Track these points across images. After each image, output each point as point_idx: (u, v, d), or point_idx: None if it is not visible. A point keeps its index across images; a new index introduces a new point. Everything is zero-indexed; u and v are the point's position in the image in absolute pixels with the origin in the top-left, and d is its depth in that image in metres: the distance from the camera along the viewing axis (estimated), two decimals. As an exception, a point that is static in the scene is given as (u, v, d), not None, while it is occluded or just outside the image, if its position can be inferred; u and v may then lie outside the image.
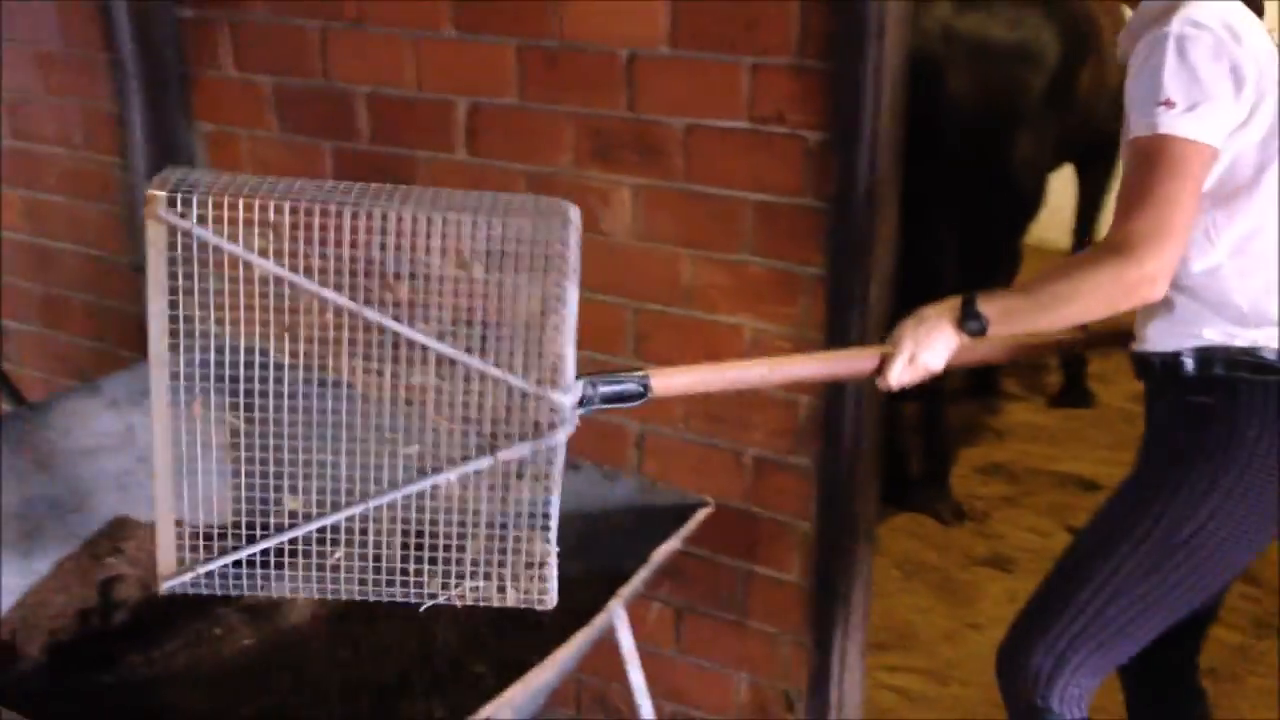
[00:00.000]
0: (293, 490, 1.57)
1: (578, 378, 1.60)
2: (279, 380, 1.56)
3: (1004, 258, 3.79)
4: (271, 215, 1.48)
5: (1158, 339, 1.74)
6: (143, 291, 1.54)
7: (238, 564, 1.56)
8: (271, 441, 1.57)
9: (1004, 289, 1.72)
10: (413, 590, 1.59)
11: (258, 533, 1.56)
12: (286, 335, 1.55)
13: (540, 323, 1.55)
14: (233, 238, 1.48)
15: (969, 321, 1.69)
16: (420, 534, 1.60)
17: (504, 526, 1.60)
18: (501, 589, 1.60)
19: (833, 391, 2.13)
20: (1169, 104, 1.58)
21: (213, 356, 1.54)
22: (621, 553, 1.90)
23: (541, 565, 1.58)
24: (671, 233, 2.20)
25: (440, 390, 1.58)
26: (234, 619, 2.05)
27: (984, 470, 3.87)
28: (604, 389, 1.64)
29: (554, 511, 1.57)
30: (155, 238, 1.47)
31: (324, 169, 2.52)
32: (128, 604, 2.05)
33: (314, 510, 1.57)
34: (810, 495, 2.21)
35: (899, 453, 3.59)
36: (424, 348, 1.55)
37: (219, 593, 1.56)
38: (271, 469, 1.57)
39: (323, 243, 1.50)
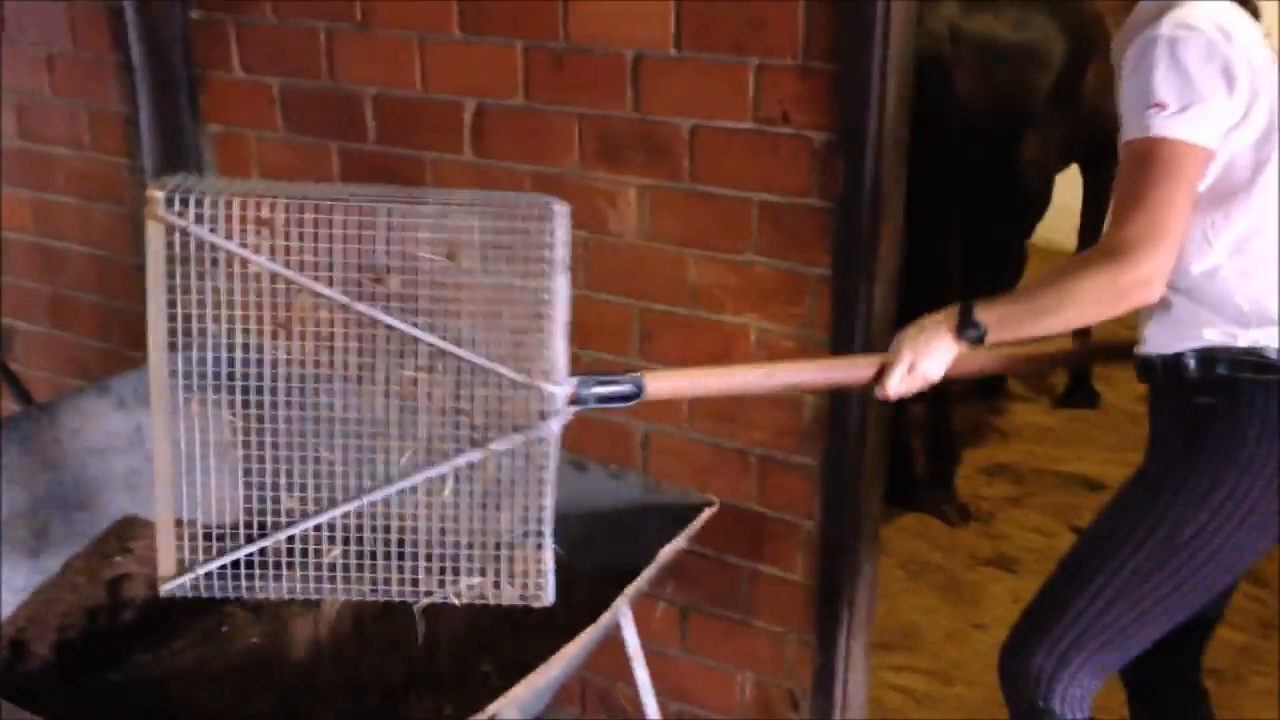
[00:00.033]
0: (289, 488, 1.59)
1: (577, 379, 1.62)
2: (275, 378, 1.58)
3: (1010, 258, 3.80)
4: (265, 213, 1.51)
5: (1159, 341, 1.74)
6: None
7: (236, 565, 1.56)
8: (268, 440, 1.59)
9: (1001, 296, 1.72)
10: (409, 588, 1.59)
11: (255, 532, 1.57)
12: (282, 331, 1.58)
13: (530, 315, 1.57)
14: (229, 235, 1.51)
15: (967, 329, 1.69)
16: (415, 530, 1.61)
17: (499, 521, 1.61)
18: (497, 586, 1.61)
19: (838, 391, 2.13)
20: (1161, 106, 1.58)
21: (210, 355, 1.56)
22: (627, 552, 1.90)
23: (537, 561, 1.59)
24: (677, 233, 2.20)
25: (432, 383, 1.60)
26: (241, 617, 2.06)
27: (989, 471, 3.87)
28: (598, 389, 1.65)
29: (549, 506, 1.58)
30: (154, 237, 1.50)
31: (331, 170, 2.53)
32: (136, 602, 2.06)
33: (310, 508, 1.58)
34: (815, 495, 2.22)
35: (904, 453, 3.59)
36: (415, 340, 1.57)
37: (218, 595, 1.57)
38: (269, 467, 1.58)
39: (315, 239, 1.53)
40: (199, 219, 1.50)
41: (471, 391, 1.58)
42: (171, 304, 1.51)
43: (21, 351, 3.17)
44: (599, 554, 1.99)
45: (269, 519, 1.59)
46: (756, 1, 2.01)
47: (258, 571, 1.56)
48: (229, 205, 1.50)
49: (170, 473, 1.56)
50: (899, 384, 1.73)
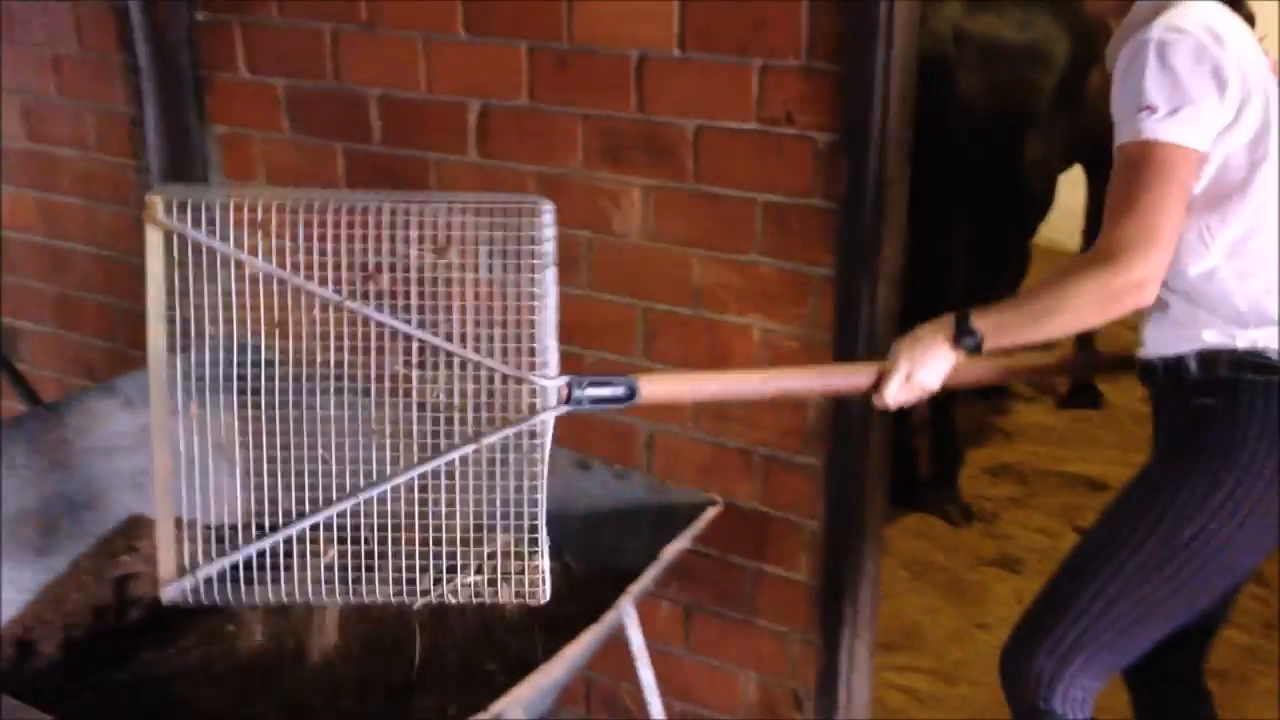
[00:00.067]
0: (286, 489, 1.60)
1: (570, 378, 1.63)
2: (271, 378, 1.60)
3: (1013, 258, 3.80)
4: (260, 214, 1.55)
5: (1160, 343, 1.74)
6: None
7: (235, 569, 1.57)
8: (265, 441, 1.60)
9: (996, 304, 1.72)
10: (405, 588, 1.60)
11: (253, 534, 1.58)
12: (277, 331, 1.61)
13: (520, 310, 1.59)
14: (225, 238, 1.54)
15: (964, 338, 1.70)
16: (410, 529, 1.61)
17: (492, 517, 1.62)
18: (493, 584, 1.61)
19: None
20: (1151, 109, 1.59)
21: (208, 357, 1.58)
22: (631, 551, 1.91)
23: (532, 559, 1.59)
24: (681, 233, 2.21)
25: (426, 380, 1.62)
26: (247, 616, 2.06)
27: (993, 471, 3.87)
28: (591, 390, 1.67)
29: (541, 501, 1.58)
30: (153, 241, 1.54)
31: (336, 170, 2.53)
32: (142, 601, 2.06)
33: (307, 508, 1.59)
34: (819, 495, 2.22)
35: (908, 453, 3.59)
36: (406, 337, 1.60)
37: (219, 603, 1.58)
38: (265, 468, 1.59)
39: (310, 240, 1.56)
40: (196, 223, 1.54)
41: (464, 387, 1.60)
42: (170, 307, 1.54)
43: (28, 352, 3.18)
44: (603, 554, 2.00)
45: (266, 520, 1.60)
46: (760, 2, 2.02)
47: (256, 575, 1.57)
48: (225, 210, 1.54)
49: (170, 477, 1.58)
50: (896, 393, 1.74)
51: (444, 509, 1.61)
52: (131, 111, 2.76)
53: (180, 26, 2.59)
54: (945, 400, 3.55)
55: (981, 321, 1.69)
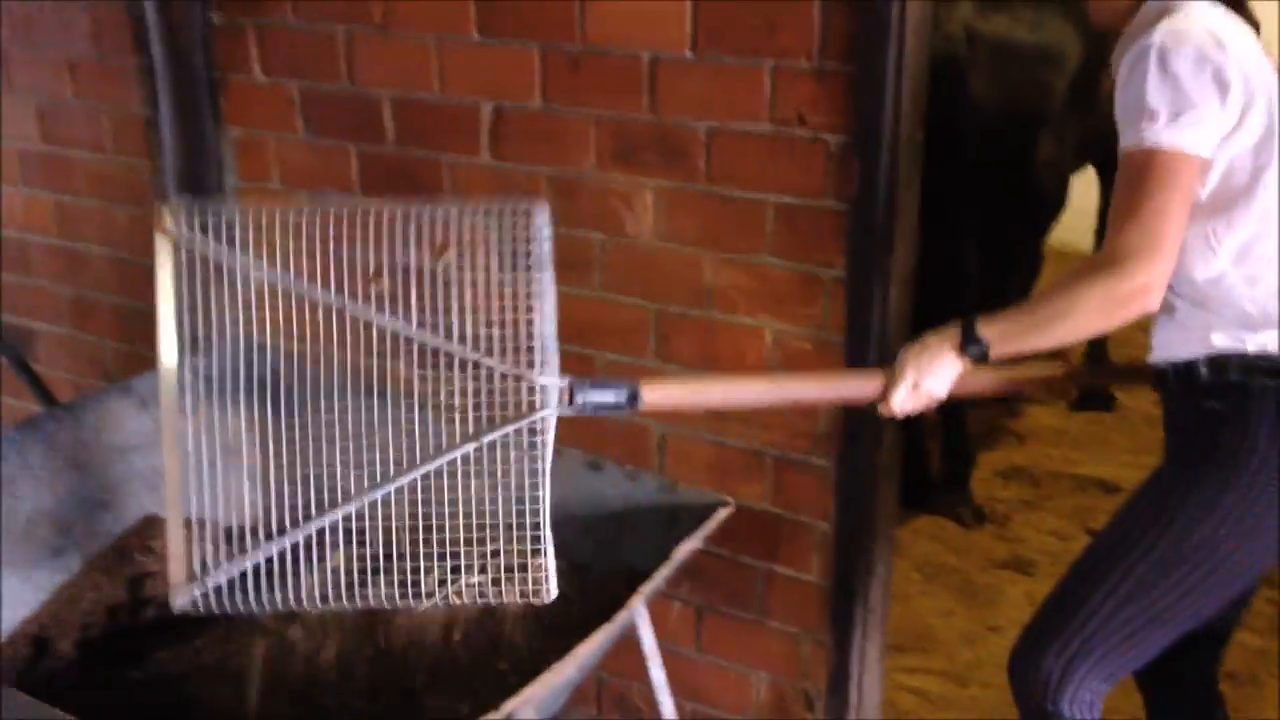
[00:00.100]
0: (292, 493, 1.62)
1: (571, 381, 1.65)
2: (276, 382, 1.62)
3: (1025, 260, 3.79)
4: (264, 221, 1.60)
5: (1169, 347, 1.74)
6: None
7: (243, 575, 1.59)
8: (271, 445, 1.62)
9: (1002, 311, 1.73)
10: (410, 590, 1.61)
11: (261, 539, 1.60)
12: (282, 336, 1.64)
13: (518, 311, 1.62)
14: (231, 244, 1.59)
15: (970, 346, 1.70)
16: (414, 529, 1.63)
17: (495, 516, 1.63)
18: (497, 583, 1.62)
19: (852, 394, 2.14)
20: (1153, 116, 1.59)
21: (216, 361, 1.61)
22: (643, 552, 1.91)
23: (535, 556, 1.60)
24: (693, 234, 2.21)
25: (424, 380, 1.65)
26: (261, 615, 2.07)
27: (1005, 473, 3.87)
28: (593, 394, 1.69)
29: (544, 499, 1.59)
30: (163, 251, 1.58)
31: (350, 172, 2.54)
32: (157, 600, 2.07)
33: (313, 512, 1.61)
34: (830, 496, 2.22)
35: (919, 455, 3.59)
36: (408, 339, 1.62)
37: (228, 610, 1.59)
38: (272, 472, 1.61)
39: (310, 246, 1.60)
40: (204, 234, 1.58)
41: (466, 387, 1.62)
42: (180, 314, 1.58)
43: (44, 353, 3.20)
44: (615, 554, 2.00)
45: (274, 525, 1.61)
46: (772, 3, 2.02)
47: (264, 581, 1.58)
48: (231, 222, 1.59)
49: (180, 489, 1.60)
50: (903, 401, 1.74)
51: (447, 509, 1.62)
52: (146, 114, 2.78)
53: (195, 29, 2.60)
54: (957, 403, 3.54)
55: (987, 329, 1.70)
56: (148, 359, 2.87)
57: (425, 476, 1.61)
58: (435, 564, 1.62)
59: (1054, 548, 3.40)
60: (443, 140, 2.41)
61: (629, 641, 1.94)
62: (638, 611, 1.87)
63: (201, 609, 1.58)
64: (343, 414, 1.67)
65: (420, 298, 1.62)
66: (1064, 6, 3.30)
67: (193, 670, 1.97)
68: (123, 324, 3.03)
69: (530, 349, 1.61)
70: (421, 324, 1.63)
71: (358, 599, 1.61)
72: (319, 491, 1.62)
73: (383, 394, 1.69)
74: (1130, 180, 1.62)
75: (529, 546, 1.60)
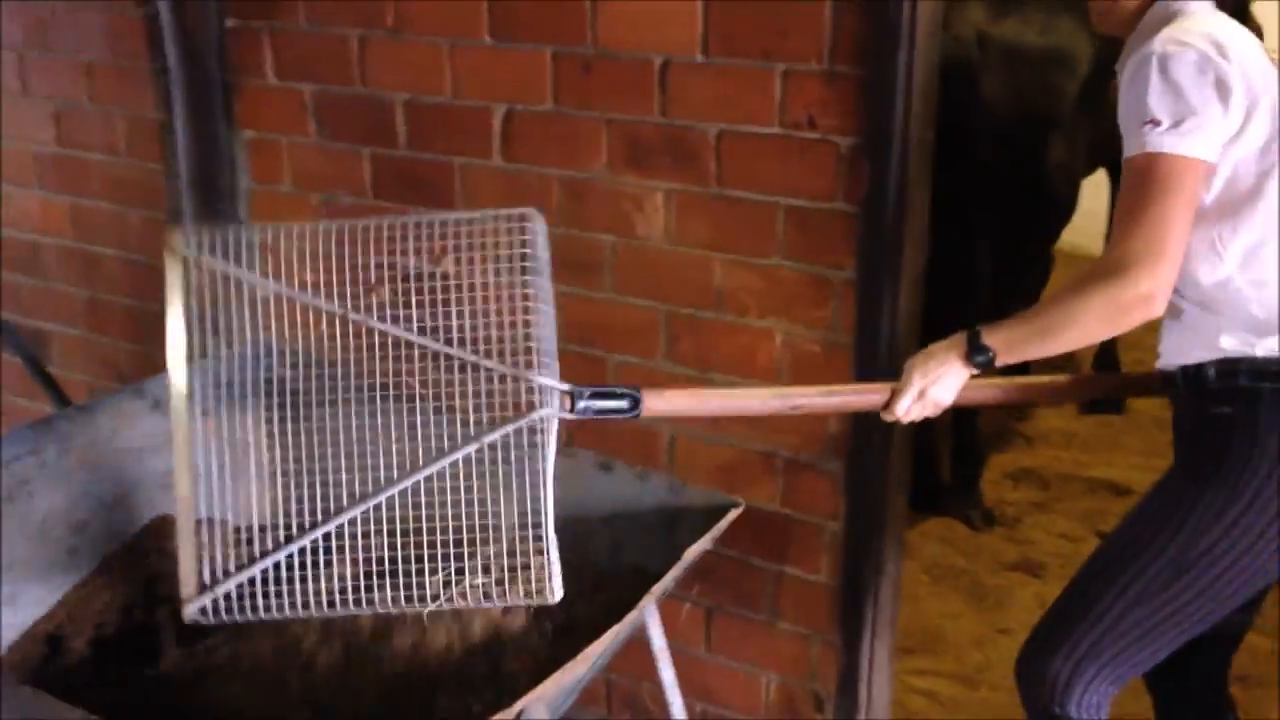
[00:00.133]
0: (299, 499, 1.64)
1: (572, 387, 1.68)
2: (282, 390, 1.66)
3: (1036, 263, 3.78)
4: (269, 239, 1.65)
5: (1178, 352, 1.74)
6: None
7: (251, 584, 1.60)
8: (277, 454, 1.65)
9: (1007, 319, 1.73)
10: (416, 593, 1.62)
11: (269, 546, 1.62)
12: (288, 345, 1.68)
13: (515, 312, 1.64)
14: (238, 262, 1.64)
15: (976, 355, 1.71)
16: (418, 532, 1.64)
17: (498, 517, 1.64)
18: (501, 583, 1.63)
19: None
20: (1155, 123, 1.59)
21: (224, 374, 1.65)
22: (653, 553, 1.92)
23: (538, 556, 1.61)
24: (704, 237, 2.22)
25: (426, 384, 1.67)
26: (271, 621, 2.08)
27: (1014, 475, 3.86)
28: (595, 401, 1.71)
29: (546, 498, 1.60)
30: (172, 270, 1.62)
31: (362, 174, 2.56)
32: (171, 599, 2.09)
33: (319, 518, 1.63)
34: (840, 497, 2.23)
35: (929, 457, 3.59)
36: (409, 344, 1.66)
37: (238, 619, 1.61)
38: (279, 479, 1.63)
39: (313, 259, 1.64)
40: (212, 252, 1.64)
41: (467, 389, 1.65)
42: (190, 327, 1.63)
43: (58, 355, 3.22)
44: (626, 555, 2.01)
45: (282, 533, 1.63)
46: (783, 5, 2.03)
47: (272, 589, 1.60)
48: (238, 242, 1.65)
49: (191, 496, 1.62)
50: (909, 410, 1.75)
51: (450, 511, 1.64)
52: (161, 117, 2.80)
53: (210, 33, 2.62)
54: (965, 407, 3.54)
55: (992, 338, 1.71)
56: (160, 361, 2.89)
57: (428, 479, 1.63)
58: (439, 566, 1.63)
59: (1064, 550, 3.39)
60: (455, 143, 2.42)
61: (639, 642, 1.95)
62: (648, 611, 1.88)
63: (212, 620, 1.60)
64: (346, 420, 1.69)
65: (421, 304, 1.66)
66: (1075, 9, 3.29)
67: (205, 669, 1.97)
68: (136, 326, 3.05)
69: (529, 350, 1.64)
70: (423, 330, 1.66)
71: (364, 604, 1.62)
72: (324, 498, 1.63)
73: (385, 399, 1.71)
74: (1133, 187, 1.62)
75: (531, 546, 1.61)
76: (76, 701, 1.59)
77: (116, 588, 2.09)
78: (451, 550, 1.63)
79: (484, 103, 2.37)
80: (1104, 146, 3.63)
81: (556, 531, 1.61)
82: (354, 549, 1.70)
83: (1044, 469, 3.89)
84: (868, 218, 2.05)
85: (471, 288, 1.65)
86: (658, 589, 1.79)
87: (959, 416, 3.59)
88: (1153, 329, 1.80)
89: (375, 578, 1.65)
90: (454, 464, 1.63)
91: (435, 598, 1.62)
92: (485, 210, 1.69)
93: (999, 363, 1.71)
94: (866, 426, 2.16)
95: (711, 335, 2.26)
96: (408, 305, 1.66)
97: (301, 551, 1.61)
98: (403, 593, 1.62)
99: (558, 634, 1.90)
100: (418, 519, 1.64)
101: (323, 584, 1.62)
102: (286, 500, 1.65)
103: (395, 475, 1.63)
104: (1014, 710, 2.65)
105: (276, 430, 1.67)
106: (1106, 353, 4.29)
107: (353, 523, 1.63)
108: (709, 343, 2.26)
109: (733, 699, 2.45)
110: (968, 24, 3.17)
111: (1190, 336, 1.72)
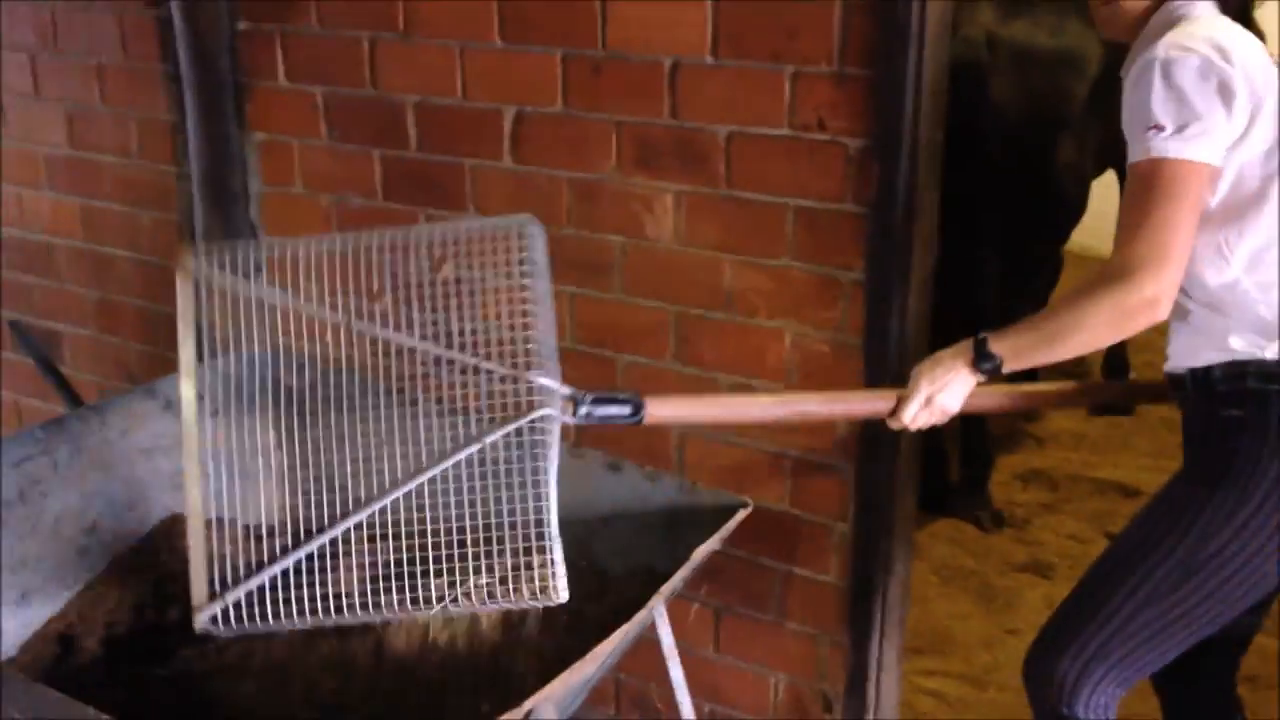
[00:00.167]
0: (305, 505, 1.66)
1: (573, 391, 1.70)
2: (290, 399, 1.70)
3: (1045, 264, 3.79)
4: (276, 254, 1.69)
5: (1186, 354, 1.74)
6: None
7: (260, 593, 1.61)
8: (284, 459, 1.66)
9: (1013, 326, 1.74)
10: (421, 595, 1.63)
11: (278, 552, 1.63)
12: (294, 351, 1.72)
13: (513, 313, 1.66)
14: (247, 277, 1.68)
15: (982, 362, 1.72)
16: (423, 534, 1.65)
17: (500, 516, 1.65)
18: (505, 583, 1.64)
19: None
20: (1159, 128, 1.60)
21: (233, 384, 1.69)
22: (662, 553, 1.93)
23: (541, 555, 1.62)
24: (713, 238, 2.22)
25: (429, 387, 1.70)
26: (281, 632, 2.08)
27: (1024, 477, 3.86)
28: (595, 406, 1.73)
29: (548, 497, 1.61)
30: (184, 290, 1.66)
31: (372, 176, 2.57)
32: (181, 599, 2.10)
33: (326, 524, 1.64)
34: (849, 498, 2.23)
35: (938, 458, 3.59)
36: (411, 349, 1.69)
37: (247, 630, 1.62)
38: (285, 486, 1.65)
39: (318, 272, 1.67)
40: (220, 267, 1.68)
41: (468, 391, 1.68)
42: (199, 337, 1.67)
43: (70, 355, 3.24)
44: (634, 555, 2.01)
45: (289, 539, 1.65)
46: (792, 7, 2.03)
47: (281, 595, 1.61)
48: (245, 259, 1.69)
49: (201, 505, 1.64)
50: (916, 417, 1.76)
51: (454, 513, 1.65)
52: (173, 119, 2.81)
53: (221, 35, 2.63)
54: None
55: (998, 345, 1.71)
56: (173, 361, 2.91)
57: (433, 482, 1.64)
58: (444, 568, 1.64)
59: (1073, 551, 3.39)
60: (465, 145, 2.43)
61: (647, 641, 1.95)
62: (657, 611, 1.88)
63: (221, 630, 1.61)
64: (351, 425, 1.71)
65: (423, 311, 1.68)
66: (1085, 11, 3.29)
67: (216, 668, 1.98)
68: (147, 327, 3.06)
69: (529, 351, 1.65)
70: (424, 335, 1.68)
71: (370, 609, 1.63)
72: (330, 504, 1.65)
73: (388, 403, 1.72)
74: (1137, 192, 1.63)
75: (535, 545, 1.62)
76: (88, 700, 1.60)
77: (128, 587, 2.10)
78: (456, 552, 1.64)
79: (494, 104, 2.37)
80: (1113, 148, 3.62)
81: (562, 532, 1.62)
82: (360, 554, 1.71)
83: (1053, 470, 3.89)
84: (877, 219, 2.06)
85: (472, 294, 1.68)
86: (666, 589, 1.79)
87: (968, 418, 3.58)
88: (1162, 331, 1.80)
89: (382, 582, 1.66)
90: (457, 466, 1.64)
91: (441, 599, 1.63)
92: (485, 219, 1.72)
93: (1006, 369, 1.72)
94: (875, 428, 2.16)
95: (721, 336, 2.26)
96: (410, 312, 1.68)
97: (309, 558, 1.62)
98: (409, 595, 1.62)
99: (566, 634, 1.91)
100: (423, 522, 1.65)
101: (330, 590, 1.62)
102: (294, 506, 1.66)
103: (400, 479, 1.65)
104: (1022, 711, 2.64)
105: (284, 435, 1.68)
106: (1116, 355, 4.29)
107: (359, 527, 1.64)
108: (718, 343, 2.27)
109: (741, 699, 2.46)
110: (977, 25, 3.17)
111: (1199, 339, 1.72)
